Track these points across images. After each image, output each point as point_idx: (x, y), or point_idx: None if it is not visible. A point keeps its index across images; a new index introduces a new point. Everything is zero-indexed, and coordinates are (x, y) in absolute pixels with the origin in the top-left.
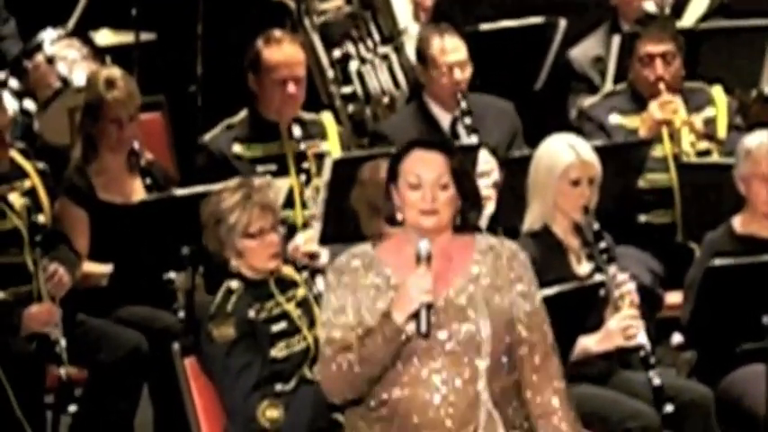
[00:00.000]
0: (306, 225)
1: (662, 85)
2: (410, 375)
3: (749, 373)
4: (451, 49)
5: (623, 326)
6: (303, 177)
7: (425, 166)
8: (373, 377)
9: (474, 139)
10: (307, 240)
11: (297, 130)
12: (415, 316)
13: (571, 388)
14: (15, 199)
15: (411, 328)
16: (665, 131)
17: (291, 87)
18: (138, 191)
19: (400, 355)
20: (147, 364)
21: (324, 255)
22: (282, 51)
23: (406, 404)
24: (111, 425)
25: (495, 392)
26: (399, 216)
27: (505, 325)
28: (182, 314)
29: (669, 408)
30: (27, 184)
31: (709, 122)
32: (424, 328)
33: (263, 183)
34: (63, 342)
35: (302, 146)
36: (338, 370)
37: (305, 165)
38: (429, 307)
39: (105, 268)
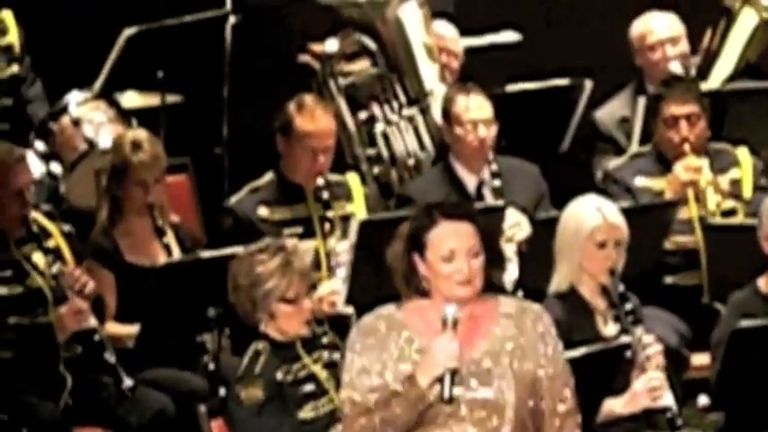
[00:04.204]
0: (330, 269)
1: (687, 147)
2: None
3: None
4: (476, 106)
5: (649, 387)
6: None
7: (457, 238)
8: None
9: (500, 202)
10: (331, 292)
11: (325, 194)
12: (440, 381)
13: None
14: (38, 259)
15: (435, 392)
16: (690, 193)
17: (322, 159)
18: (163, 253)
19: (423, 419)
20: (173, 426)
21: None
22: (315, 122)
23: None
24: None
25: None
26: (426, 285)
27: (529, 388)
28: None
29: None
30: (51, 243)
31: (735, 183)
32: (447, 393)
33: (296, 246)
34: (102, 331)
35: (329, 213)
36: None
37: (326, 227)
38: (454, 373)
39: (131, 330)
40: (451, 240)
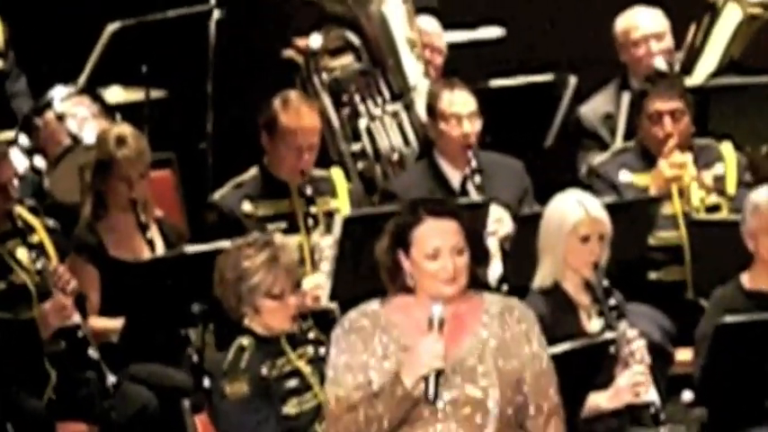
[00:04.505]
0: (314, 264)
1: (671, 143)
2: None
3: None
4: (460, 101)
5: (633, 382)
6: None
7: (442, 236)
8: None
9: (482, 197)
10: (315, 286)
11: (309, 190)
12: (425, 380)
13: None
14: (23, 254)
15: (419, 391)
16: (674, 189)
17: (306, 156)
18: (147, 248)
19: (408, 417)
20: (157, 421)
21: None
22: (300, 120)
23: None
24: None
25: None
26: (411, 282)
27: (514, 385)
28: (196, 358)
29: None
30: (35, 238)
31: (719, 179)
32: (431, 393)
33: (284, 242)
34: (85, 327)
35: (313, 209)
36: (345, 430)
37: (310, 223)
38: (439, 373)
39: (115, 324)
40: (436, 238)
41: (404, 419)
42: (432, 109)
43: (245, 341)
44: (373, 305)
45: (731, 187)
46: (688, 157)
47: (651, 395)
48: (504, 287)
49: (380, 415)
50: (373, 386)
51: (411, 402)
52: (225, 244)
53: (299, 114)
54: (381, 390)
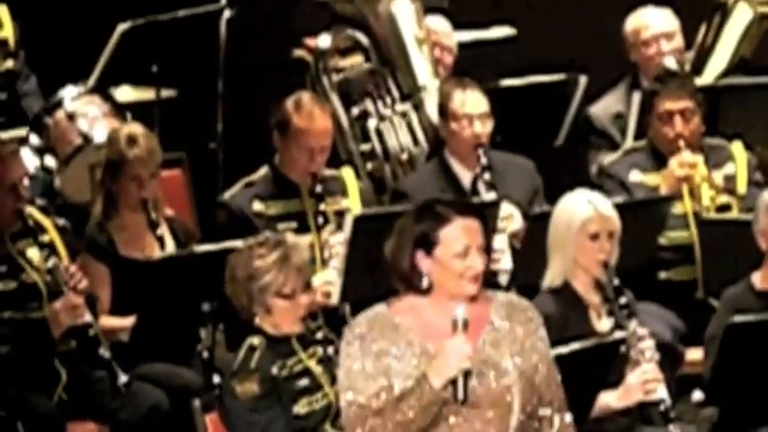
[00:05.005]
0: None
1: (681, 142)
2: None
3: None
4: (472, 101)
5: (643, 380)
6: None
7: (471, 235)
8: None
9: (493, 195)
10: (325, 282)
11: (319, 188)
12: (453, 382)
13: None
14: (33, 254)
15: (448, 393)
16: (685, 189)
17: (318, 158)
18: (158, 246)
19: (437, 420)
20: (167, 421)
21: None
22: (312, 122)
23: None
24: None
25: None
26: (426, 284)
27: (530, 382)
28: (206, 355)
29: None
30: (45, 238)
31: (730, 179)
32: (461, 394)
33: (296, 242)
34: (96, 326)
35: (322, 207)
36: None
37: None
38: (467, 373)
39: (125, 323)
40: (466, 237)
41: (432, 423)
42: (443, 109)
43: (255, 340)
44: (380, 308)
45: (742, 187)
46: (698, 157)
47: (661, 393)
48: (514, 288)
49: (410, 419)
50: (394, 390)
51: (439, 404)
52: (235, 243)
53: (311, 116)
54: (407, 393)
